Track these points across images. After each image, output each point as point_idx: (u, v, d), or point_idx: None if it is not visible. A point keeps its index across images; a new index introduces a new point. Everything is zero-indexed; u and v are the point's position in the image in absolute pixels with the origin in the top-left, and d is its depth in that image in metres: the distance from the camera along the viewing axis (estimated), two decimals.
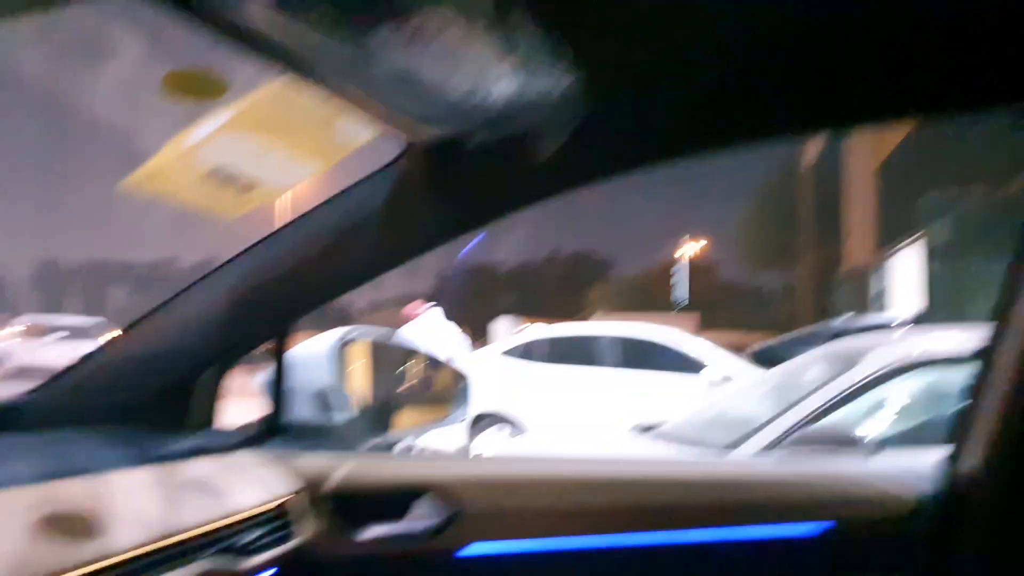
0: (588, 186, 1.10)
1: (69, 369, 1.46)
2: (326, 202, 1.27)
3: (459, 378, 1.92)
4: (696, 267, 37.28)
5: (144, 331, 1.42)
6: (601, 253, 51.70)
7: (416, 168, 1.18)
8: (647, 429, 3.81)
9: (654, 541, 1.41)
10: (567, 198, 1.19)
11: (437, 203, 1.19)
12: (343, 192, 1.26)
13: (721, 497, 1.43)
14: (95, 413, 1.37)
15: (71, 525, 0.91)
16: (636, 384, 7.37)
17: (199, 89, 0.88)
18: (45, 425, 1.35)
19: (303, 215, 1.29)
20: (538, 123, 1.05)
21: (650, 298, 34.39)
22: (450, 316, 7.40)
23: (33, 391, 1.46)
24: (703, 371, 7.25)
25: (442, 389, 1.95)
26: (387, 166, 1.21)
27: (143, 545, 0.97)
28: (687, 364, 7.41)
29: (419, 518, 1.41)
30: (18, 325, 19.03)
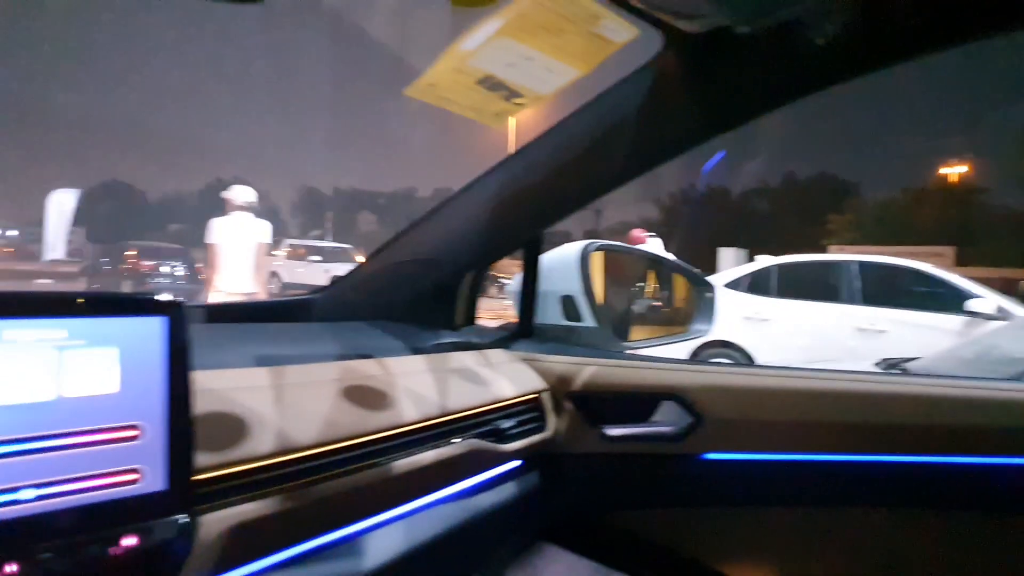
0: (862, 76, 1.03)
1: (351, 272, 1.65)
2: (583, 107, 1.30)
3: (704, 290, 1.89)
4: (953, 194, 33.09)
5: (413, 238, 1.56)
6: (842, 177, 46.84)
7: (676, 65, 1.16)
8: (895, 365, 3.54)
9: (897, 461, 1.34)
10: (809, 113, 1.12)
11: (698, 99, 1.18)
12: (601, 95, 1.27)
13: (985, 422, 1.31)
14: (372, 310, 1.55)
15: (367, 397, 1.06)
16: (883, 322, 6.66)
17: None
18: (332, 318, 1.55)
19: (560, 122, 1.34)
20: (810, 9, 0.99)
21: (897, 229, 31.08)
22: (678, 245, 7.21)
23: (320, 289, 1.68)
24: (964, 307, 6.33)
25: (685, 302, 1.94)
26: (646, 65, 1.20)
27: (423, 420, 1.10)
28: (942, 301, 6.57)
29: (663, 422, 1.45)
30: (283, 248, 21.67)
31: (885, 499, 1.36)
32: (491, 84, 1.15)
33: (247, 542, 0.81)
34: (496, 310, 6.49)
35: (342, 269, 1.78)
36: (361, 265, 1.65)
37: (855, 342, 6.60)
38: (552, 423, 1.41)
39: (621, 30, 1.06)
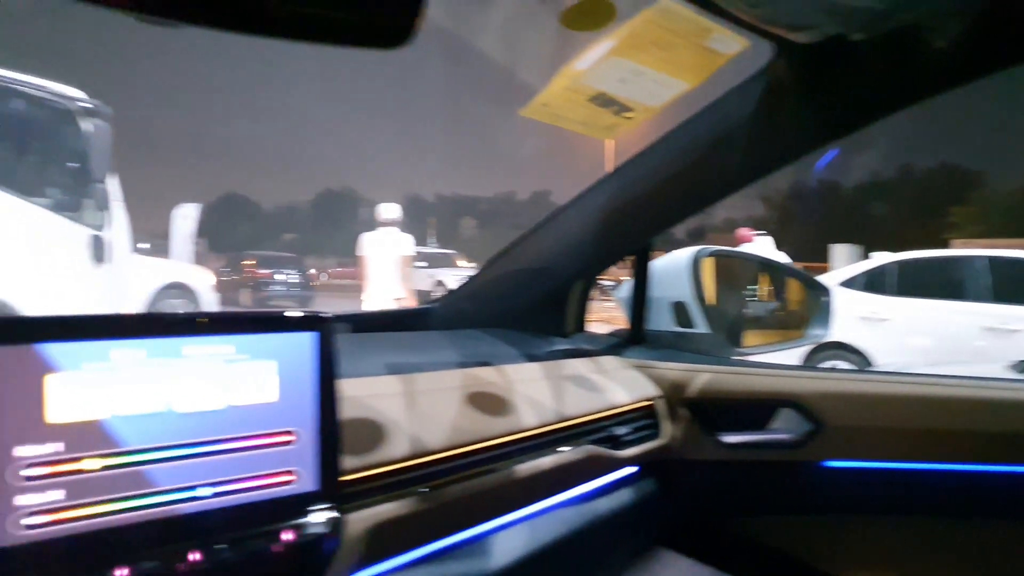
0: (986, 77, 1.00)
1: (466, 282, 1.72)
2: (694, 116, 1.32)
3: (819, 294, 1.86)
4: None
5: (525, 248, 1.61)
6: (965, 167, 43.83)
7: (788, 74, 1.16)
8: None
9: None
10: (929, 104, 1.09)
11: (812, 107, 1.17)
12: (711, 104, 1.29)
13: None
14: (486, 318, 1.61)
15: (489, 403, 1.11)
16: (1015, 320, 6.22)
17: (592, 17, 0.98)
18: (448, 326, 1.62)
19: (670, 131, 1.36)
20: (929, 13, 0.98)
21: None
22: (790, 243, 6.98)
23: (436, 300, 1.75)
24: None
25: (799, 306, 1.91)
26: (757, 75, 1.21)
27: (542, 426, 1.15)
28: None
29: (781, 429, 1.45)
30: None
31: (1016, 512, 1.30)
32: (603, 100, 1.18)
33: (387, 539, 0.88)
34: (599, 312, 6.48)
35: (446, 274, 1.85)
36: (475, 275, 1.72)
37: (984, 342, 6.21)
38: (667, 430, 1.43)
39: (731, 42, 1.07)
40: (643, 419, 1.39)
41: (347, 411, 0.87)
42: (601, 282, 1.76)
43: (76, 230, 5.79)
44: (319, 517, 0.78)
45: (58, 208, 5.72)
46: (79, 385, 0.66)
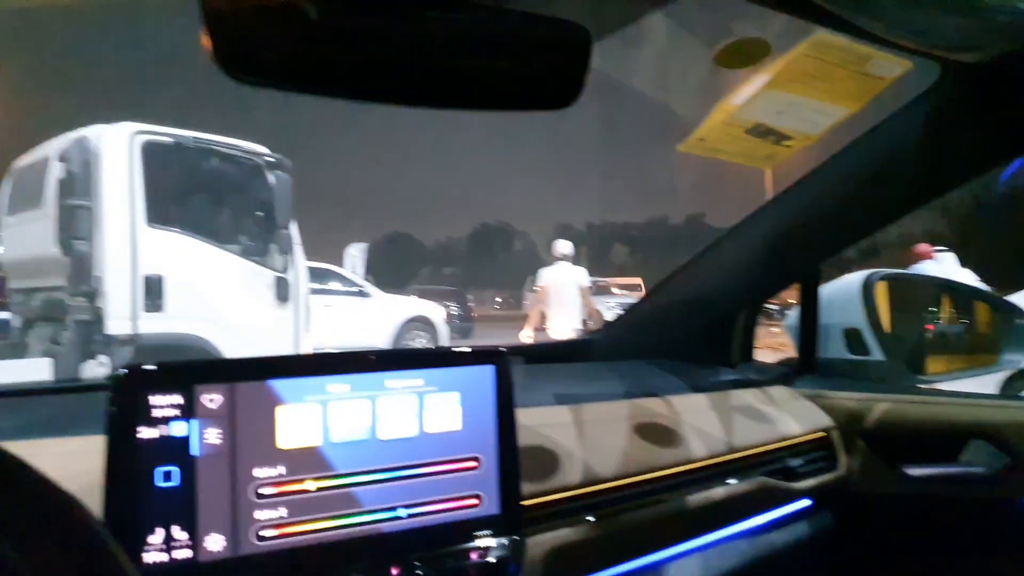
0: None
1: (627, 312, 1.75)
2: (858, 139, 1.29)
3: (1013, 316, 1.72)
4: None
5: (687, 277, 1.62)
6: None
7: (957, 94, 1.13)
8: None
9: None
10: None
11: (985, 126, 1.13)
12: (876, 127, 1.26)
13: None
14: (649, 348, 1.63)
15: (657, 434, 1.14)
16: None
17: (747, 55, 1.01)
18: (610, 357, 1.66)
19: (834, 156, 1.33)
20: None
21: None
22: (976, 260, 6.44)
23: (599, 330, 1.80)
24: None
25: (989, 329, 1.79)
26: (922, 95, 1.18)
27: (712, 457, 1.16)
28: None
29: (972, 462, 1.36)
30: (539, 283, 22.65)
31: None
32: (760, 131, 1.20)
33: (563, 564, 0.93)
34: (765, 339, 6.27)
35: (598, 301, 1.89)
36: (636, 305, 1.75)
37: None
38: (844, 462, 1.39)
39: (893, 66, 1.06)
40: (817, 451, 1.35)
41: (523, 439, 0.93)
42: (768, 307, 1.73)
43: (262, 273, 6.38)
44: (502, 539, 0.84)
45: (246, 253, 6.34)
46: (302, 415, 0.77)
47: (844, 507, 1.39)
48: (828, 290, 1.57)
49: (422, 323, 10.95)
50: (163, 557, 0.69)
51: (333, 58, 0.65)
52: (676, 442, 1.13)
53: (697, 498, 1.10)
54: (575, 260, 7.08)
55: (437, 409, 0.84)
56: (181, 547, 0.70)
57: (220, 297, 6.08)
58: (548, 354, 1.72)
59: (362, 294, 9.10)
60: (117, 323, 5.52)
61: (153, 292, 5.68)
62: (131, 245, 5.61)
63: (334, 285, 10.21)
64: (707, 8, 1.14)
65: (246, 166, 6.41)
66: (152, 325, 5.66)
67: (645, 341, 1.66)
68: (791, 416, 1.36)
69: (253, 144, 6.49)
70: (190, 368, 0.73)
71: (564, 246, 7.01)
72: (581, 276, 6.90)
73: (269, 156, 6.42)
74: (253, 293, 6.31)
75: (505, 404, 0.87)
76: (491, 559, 0.83)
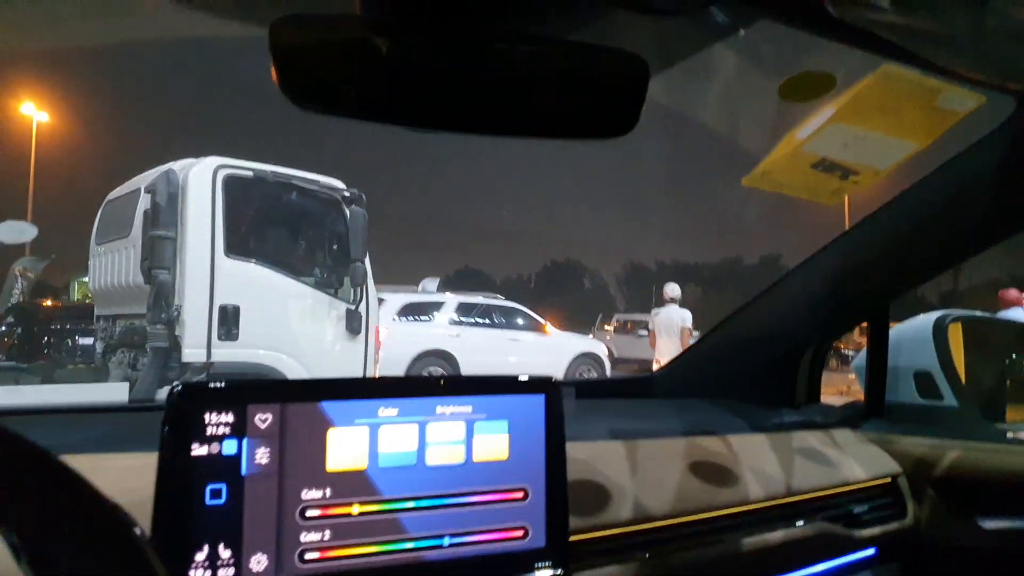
0: None
1: (689, 349, 1.72)
2: (931, 173, 1.25)
3: None
4: None
5: (750, 314, 1.59)
6: None
7: None
8: None
9: None
10: None
11: None
12: (950, 161, 1.22)
13: None
14: (710, 387, 1.60)
15: (713, 473, 1.11)
16: None
17: (812, 88, 0.99)
18: (670, 395, 1.63)
19: (906, 190, 1.29)
20: None
21: None
22: None
23: (661, 369, 1.77)
24: None
25: None
26: (999, 128, 1.13)
27: (770, 499, 1.12)
28: None
29: None
30: (612, 322, 22.56)
31: None
32: (826, 166, 1.17)
33: None
34: (839, 385, 6.06)
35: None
36: (697, 343, 1.72)
37: None
38: (912, 510, 1.32)
39: (965, 100, 1.03)
40: (883, 497, 1.29)
41: (573, 473, 0.92)
42: (843, 352, 1.67)
43: (335, 305, 6.52)
44: (547, 574, 0.83)
45: (320, 285, 6.49)
46: (351, 438, 0.78)
47: (912, 558, 1.31)
48: (899, 331, 1.51)
49: (591, 359, 11.80)
50: (207, 575, 0.71)
51: (398, 88, 0.67)
52: (733, 482, 1.10)
53: (754, 541, 1.06)
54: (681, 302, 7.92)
55: (486, 437, 0.83)
56: (225, 566, 0.71)
57: (293, 328, 6.23)
58: (607, 390, 1.71)
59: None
60: (192, 351, 5.70)
61: (228, 321, 5.86)
62: (210, 275, 5.82)
63: (520, 321, 11.54)
64: (772, 41, 1.13)
65: (323, 200, 6.59)
66: (226, 354, 5.82)
67: (707, 379, 1.62)
68: (856, 460, 1.30)
69: (330, 178, 6.68)
70: (244, 387, 0.75)
71: (673, 290, 7.85)
72: (686, 317, 7.65)
73: (345, 190, 6.59)
74: (325, 325, 6.44)
75: (555, 435, 0.86)
76: None
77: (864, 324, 1.50)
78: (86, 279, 7.92)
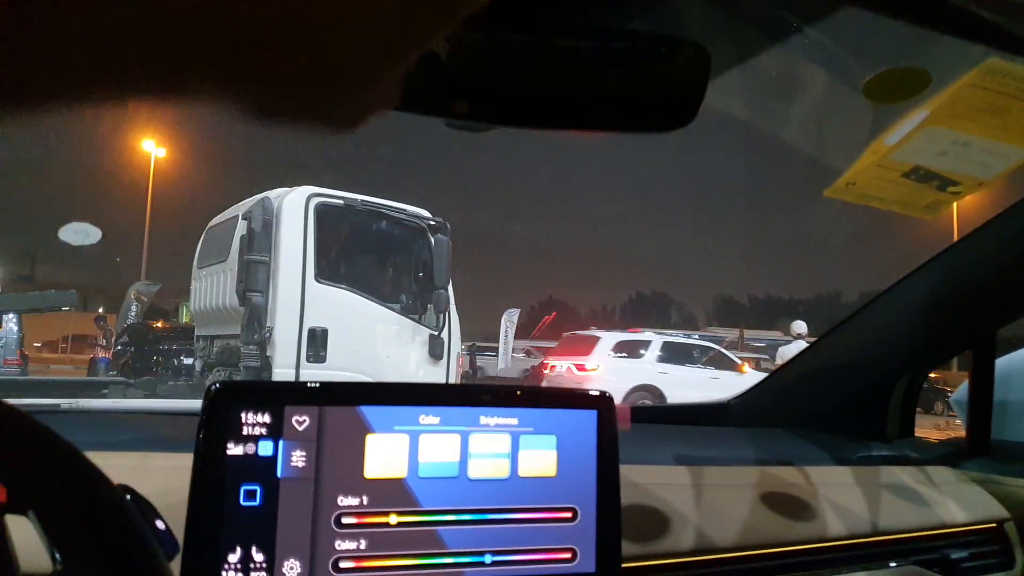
0: None
1: (769, 377, 1.62)
2: None
3: None
4: None
5: (837, 340, 1.48)
6: None
7: None
8: None
9: None
10: None
11: None
12: None
13: None
14: (790, 416, 1.49)
15: (788, 505, 1.02)
16: None
17: (902, 87, 0.91)
18: (747, 423, 1.53)
19: (1012, 206, 1.18)
20: None
21: None
22: None
23: (738, 396, 1.67)
24: None
25: None
26: None
27: (852, 537, 1.02)
28: None
29: None
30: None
31: None
32: (920, 175, 1.08)
33: None
34: (945, 430, 5.70)
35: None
36: (779, 370, 1.61)
37: None
38: (1021, 562, 1.18)
39: None
40: (987, 544, 1.16)
41: (630, 497, 0.86)
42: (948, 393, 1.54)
43: (419, 331, 6.61)
44: None
45: (405, 311, 6.62)
46: (390, 445, 0.74)
47: None
48: (1007, 361, 1.37)
49: (648, 392, 11.11)
50: None
51: (460, 84, 0.65)
52: (811, 516, 1.00)
53: None
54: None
55: (532, 452, 0.78)
56: (257, 569, 0.69)
57: (378, 352, 6.35)
58: (677, 416, 1.62)
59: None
60: (282, 371, 5.89)
61: (317, 343, 6.03)
62: (300, 299, 6.01)
63: (717, 359, 11.80)
64: (856, 34, 1.04)
65: (409, 228, 6.74)
66: (313, 375, 5.98)
67: (787, 408, 1.52)
68: (955, 502, 1.18)
69: (416, 208, 6.83)
70: (281, 388, 0.73)
71: (800, 326, 8.29)
72: None
73: (431, 219, 6.72)
74: (409, 349, 6.55)
75: (608, 454, 0.80)
76: None
77: (967, 352, 1.37)
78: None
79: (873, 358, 1.41)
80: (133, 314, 10.32)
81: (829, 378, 1.47)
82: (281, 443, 0.71)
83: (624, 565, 0.80)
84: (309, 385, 0.74)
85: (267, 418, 0.71)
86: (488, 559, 0.75)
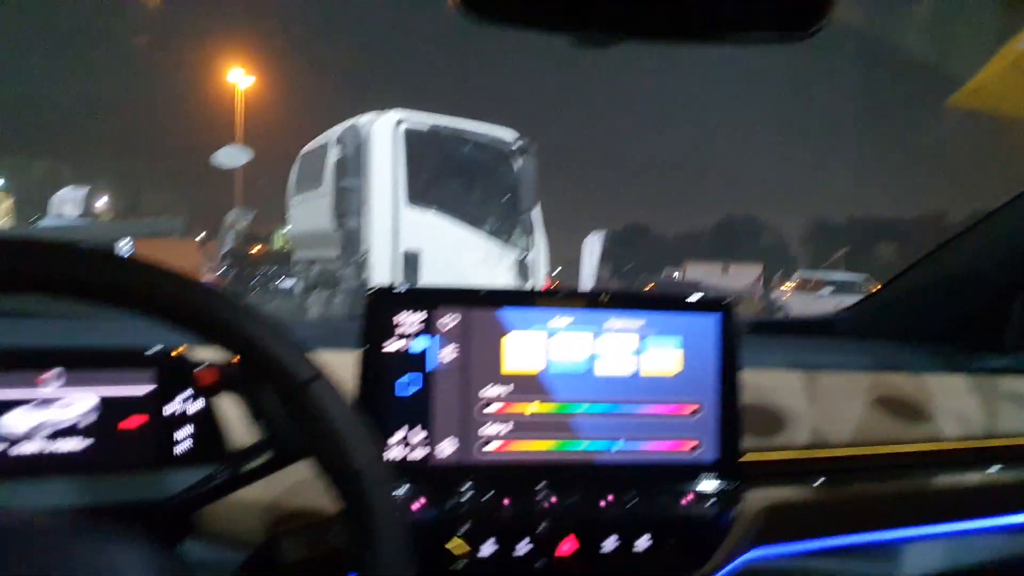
0: None
1: (879, 290, 1.60)
2: None
3: None
4: None
5: (953, 251, 1.45)
6: None
7: None
8: None
9: None
10: None
11: None
12: None
13: None
14: (902, 328, 1.48)
15: (901, 409, 1.04)
16: None
17: None
18: (856, 336, 1.53)
19: None
20: None
21: None
22: None
23: (847, 308, 1.66)
24: None
25: None
26: None
27: (965, 440, 1.04)
28: None
29: None
30: (793, 279, 21.46)
31: None
32: None
33: (782, 523, 0.89)
34: None
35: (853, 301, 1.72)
36: (891, 283, 1.59)
37: None
38: None
39: None
40: None
41: (748, 396, 0.91)
42: None
43: (507, 253, 6.70)
44: (718, 487, 0.83)
45: (493, 234, 6.69)
46: (527, 342, 0.81)
47: None
48: None
49: None
50: (403, 454, 0.78)
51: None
52: (923, 419, 1.03)
53: (945, 481, 0.99)
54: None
55: (657, 351, 0.84)
56: (421, 446, 0.78)
57: (467, 274, 6.48)
58: (786, 328, 1.64)
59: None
60: None
61: (411, 265, 6.21)
62: (393, 222, 6.17)
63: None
64: None
65: (495, 151, 6.74)
66: None
67: (900, 320, 1.50)
68: None
69: (503, 129, 6.81)
70: (432, 292, 0.81)
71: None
72: None
73: (517, 141, 6.70)
74: (497, 271, 6.64)
75: (729, 354, 0.85)
76: (707, 505, 0.82)
77: None
78: (284, 231, 8.62)
79: (994, 270, 1.38)
80: (231, 240, 10.77)
81: (944, 290, 1.45)
82: (433, 339, 0.79)
83: (743, 458, 0.86)
84: (456, 290, 0.82)
85: (422, 316, 0.79)
86: (616, 447, 0.82)
